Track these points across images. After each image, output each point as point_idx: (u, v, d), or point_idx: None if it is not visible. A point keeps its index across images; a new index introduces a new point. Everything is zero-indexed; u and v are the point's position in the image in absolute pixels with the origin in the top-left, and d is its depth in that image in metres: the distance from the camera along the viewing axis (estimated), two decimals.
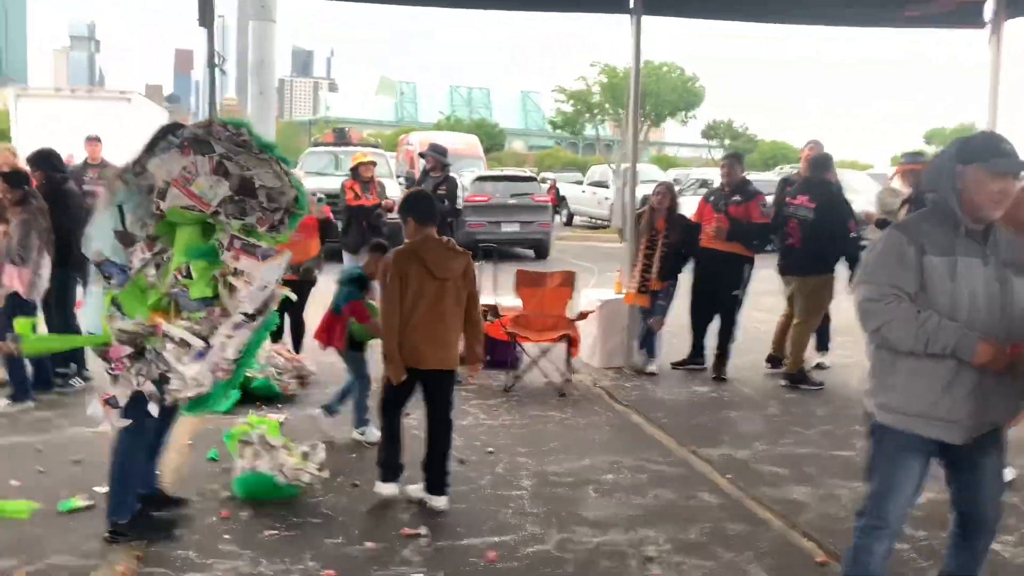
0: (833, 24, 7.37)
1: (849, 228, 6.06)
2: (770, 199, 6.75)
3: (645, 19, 6.55)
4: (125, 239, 3.28)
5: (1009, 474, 3.67)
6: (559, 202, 21.50)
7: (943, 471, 2.75)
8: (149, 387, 3.15)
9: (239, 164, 3.24)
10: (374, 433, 4.62)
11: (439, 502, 3.87)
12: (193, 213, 3.24)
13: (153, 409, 3.23)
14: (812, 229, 6.02)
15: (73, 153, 9.87)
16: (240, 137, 3.29)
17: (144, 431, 3.41)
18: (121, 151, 3.92)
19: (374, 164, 7.79)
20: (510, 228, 13.83)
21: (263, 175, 3.33)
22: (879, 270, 2.59)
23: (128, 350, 3.15)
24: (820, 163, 6.41)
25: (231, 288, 3.15)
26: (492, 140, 43.23)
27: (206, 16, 5.96)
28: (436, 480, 3.88)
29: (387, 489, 3.92)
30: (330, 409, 4.84)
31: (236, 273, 3.10)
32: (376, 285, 4.85)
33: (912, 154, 6.31)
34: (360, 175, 7.54)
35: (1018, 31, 6.21)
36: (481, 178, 15.34)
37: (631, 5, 6.63)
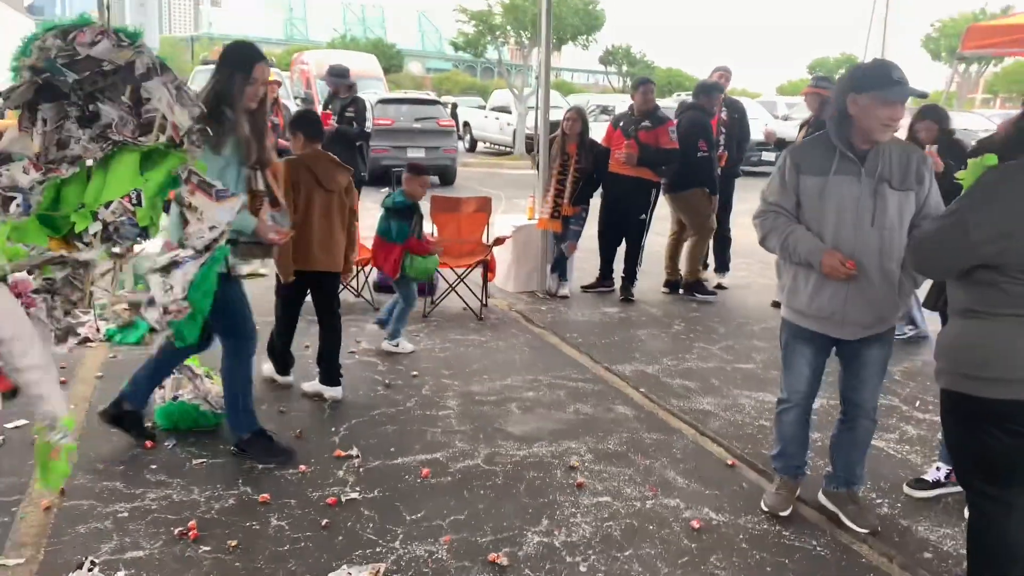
0: None
1: (699, 148, 6.44)
2: None
3: None
4: None
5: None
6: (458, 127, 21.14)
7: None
8: (67, 322, 2.97)
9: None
10: (407, 345, 5.10)
11: (335, 392, 4.22)
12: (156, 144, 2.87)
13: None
14: (677, 152, 6.43)
15: None
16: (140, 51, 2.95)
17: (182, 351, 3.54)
18: None
19: (279, 84, 7.44)
20: (415, 153, 13.49)
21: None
22: (768, 188, 2.97)
23: (33, 284, 2.91)
24: (699, 88, 6.76)
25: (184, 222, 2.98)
26: (389, 61, 41.58)
27: None
28: (330, 372, 4.23)
29: (282, 379, 4.36)
30: (383, 322, 5.19)
31: (191, 208, 2.92)
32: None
33: (820, 78, 6.62)
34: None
35: None
36: (384, 100, 14.85)
37: None
